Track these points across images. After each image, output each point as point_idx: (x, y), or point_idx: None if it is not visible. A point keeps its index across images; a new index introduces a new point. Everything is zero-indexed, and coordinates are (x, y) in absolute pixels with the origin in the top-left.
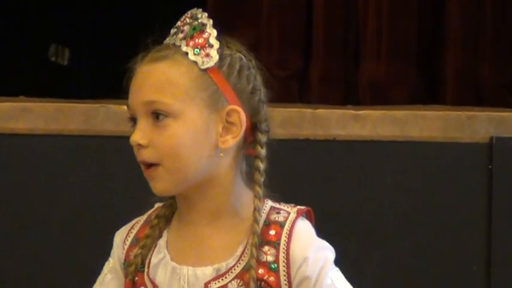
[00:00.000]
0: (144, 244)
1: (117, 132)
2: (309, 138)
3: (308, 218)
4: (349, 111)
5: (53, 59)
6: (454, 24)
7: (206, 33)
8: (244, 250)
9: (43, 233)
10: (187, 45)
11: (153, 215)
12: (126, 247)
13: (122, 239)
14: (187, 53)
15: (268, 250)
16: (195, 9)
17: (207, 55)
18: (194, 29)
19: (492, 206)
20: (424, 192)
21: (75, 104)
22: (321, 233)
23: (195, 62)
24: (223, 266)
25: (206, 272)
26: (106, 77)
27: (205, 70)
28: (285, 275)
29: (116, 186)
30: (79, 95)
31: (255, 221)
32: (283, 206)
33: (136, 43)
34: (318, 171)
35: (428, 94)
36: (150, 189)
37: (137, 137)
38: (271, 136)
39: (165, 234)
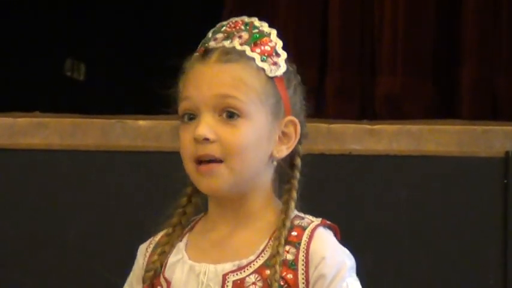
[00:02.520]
0: (162, 251)
1: (133, 147)
2: (324, 153)
3: (334, 233)
4: (365, 126)
5: (69, 73)
6: (469, 38)
7: (272, 42)
8: (265, 248)
9: (59, 249)
10: (252, 51)
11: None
12: (148, 254)
13: (145, 247)
14: (253, 59)
15: (289, 249)
16: (244, 17)
17: (275, 63)
18: (256, 37)
19: (508, 220)
20: (440, 207)
21: (91, 119)
22: None
23: (263, 69)
24: (244, 262)
25: (226, 267)
26: (122, 92)
27: (271, 78)
28: (303, 273)
29: (133, 202)
30: (95, 110)
31: (287, 217)
32: (308, 216)
33: (152, 58)
34: (334, 185)
35: (444, 108)
36: (167, 204)
37: (205, 130)
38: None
39: (185, 239)
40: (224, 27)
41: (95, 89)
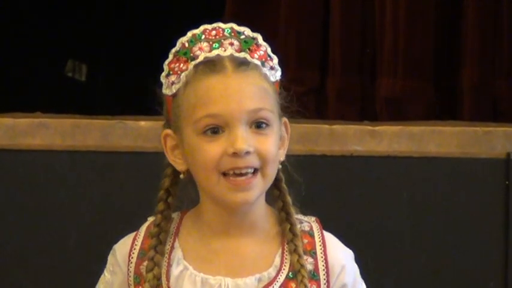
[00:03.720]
0: (155, 263)
1: (134, 148)
2: (325, 154)
3: None
4: (366, 127)
5: (70, 74)
6: (470, 40)
7: (263, 47)
8: (282, 259)
9: (60, 249)
10: (252, 57)
11: (152, 228)
12: (133, 260)
13: (126, 252)
14: (258, 65)
15: (307, 259)
16: (219, 23)
17: (272, 68)
18: (246, 42)
19: (509, 222)
20: (441, 208)
21: (92, 120)
22: None
23: (266, 75)
24: (265, 275)
25: (248, 282)
26: (123, 93)
27: (273, 83)
28: (325, 283)
29: (134, 202)
30: (96, 110)
31: (294, 225)
32: (301, 217)
33: (153, 59)
34: (335, 186)
35: (445, 110)
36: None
37: (244, 144)
38: None
39: (176, 245)
40: (203, 36)
41: (96, 90)
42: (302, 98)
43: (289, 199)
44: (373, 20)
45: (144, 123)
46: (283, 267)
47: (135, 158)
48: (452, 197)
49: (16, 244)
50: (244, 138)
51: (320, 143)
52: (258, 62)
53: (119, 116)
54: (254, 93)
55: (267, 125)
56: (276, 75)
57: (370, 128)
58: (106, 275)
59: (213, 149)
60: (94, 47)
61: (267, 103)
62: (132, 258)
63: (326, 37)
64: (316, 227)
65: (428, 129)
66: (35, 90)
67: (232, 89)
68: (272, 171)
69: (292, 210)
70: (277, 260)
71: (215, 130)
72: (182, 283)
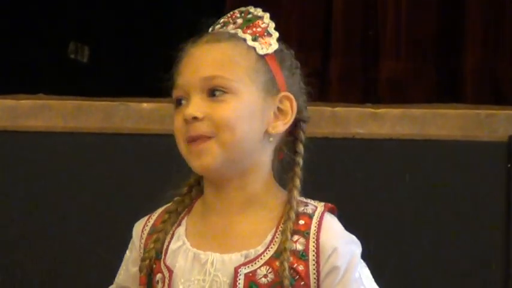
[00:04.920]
0: (157, 238)
1: (137, 129)
2: (327, 137)
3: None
4: (368, 110)
5: (73, 56)
6: (473, 22)
7: (264, 24)
8: (273, 238)
9: (62, 231)
10: (244, 32)
11: (168, 209)
12: (144, 236)
13: (140, 229)
14: (245, 39)
15: (298, 239)
16: (242, 7)
17: (266, 42)
18: (249, 20)
19: (511, 205)
20: (443, 191)
21: (95, 102)
22: None
23: (254, 48)
24: (252, 252)
25: (233, 257)
26: (125, 75)
27: (263, 56)
28: (314, 264)
29: (135, 184)
30: (98, 92)
31: (291, 208)
32: (310, 201)
33: (155, 41)
34: (337, 169)
35: (447, 92)
36: (168, 186)
37: (192, 110)
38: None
39: (183, 223)
40: (222, 20)
41: (99, 72)
42: (304, 80)
43: (298, 183)
44: (376, 1)
45: (146, 105)
46: (272, 245)
47: (138, 139)
48: (453, 180)
49: (18, 225)
50: (194, 105)
51: (322, 125)
52: (247, 36)
53: (122, 97)
54: (213, 62)
55: (226, 92)
56: (269, 49)
57: (372, 110)
58: (127, 253)
59: (177, 119)
60: (96, 28)
61: (226, 71)
62: (143, 234)
63: (329, 19)
64: (319, 210)
65: (430, 112)
66: (38, 71)
67: (194, 59)
68: (231, 139)
69: (295, 193)
70: (268, 238)
71: (181, 101)
72: (177, 257)
